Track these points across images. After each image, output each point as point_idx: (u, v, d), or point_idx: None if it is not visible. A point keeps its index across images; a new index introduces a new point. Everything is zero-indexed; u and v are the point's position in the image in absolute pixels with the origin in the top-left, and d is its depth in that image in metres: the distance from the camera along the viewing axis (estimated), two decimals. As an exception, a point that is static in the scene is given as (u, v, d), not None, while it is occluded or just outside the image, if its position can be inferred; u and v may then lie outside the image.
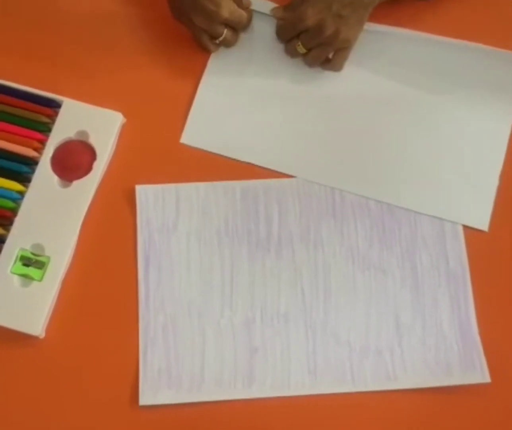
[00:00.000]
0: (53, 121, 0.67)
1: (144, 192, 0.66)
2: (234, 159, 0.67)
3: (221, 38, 0.70)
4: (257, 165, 0.67)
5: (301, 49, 0.69)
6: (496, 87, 0.70)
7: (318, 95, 0.70)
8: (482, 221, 0.65)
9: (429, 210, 0.65)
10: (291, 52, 0.71)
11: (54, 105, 0.68)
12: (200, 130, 0.69)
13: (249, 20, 0.71)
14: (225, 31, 0.69)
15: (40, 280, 0.61)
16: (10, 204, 0.64)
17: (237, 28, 0.71)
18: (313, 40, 0.68)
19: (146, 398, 0.59)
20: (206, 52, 0.71)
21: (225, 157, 0.68)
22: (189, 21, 0.68)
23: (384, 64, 0.71)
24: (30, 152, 0.66)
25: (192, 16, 0.67)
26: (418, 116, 0.69)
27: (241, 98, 0.70)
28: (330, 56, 0.70)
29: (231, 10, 0.68)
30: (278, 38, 0.72)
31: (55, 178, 0.65)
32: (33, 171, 0.65)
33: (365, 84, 0.71)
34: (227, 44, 0.71)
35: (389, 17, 0.72)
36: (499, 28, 0.73)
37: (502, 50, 0.71)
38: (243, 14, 0.70)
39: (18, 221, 0.63)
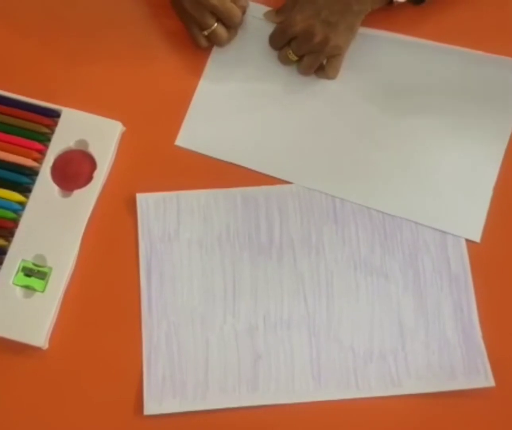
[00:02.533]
0: (53, 131, 0.67)
1: (145, 201, 0.65)
2: (233, 165, 0.67)
3: (209, 30, 0.69)
4: (256, 171, 0.67)
5: (292, 57, 0.69)
6: (494, 95, 0.70)
7: (318, 102, 0.70)
8: (474, 232, 0.64)
9: (422, 220, 0.65)
10: (283, 60, 0.70)
11: (53, 115, 0.68)
12: (197, 133, 0.69)
13: (240, 16, 0.70)
14: (216, 24, 0.69)
15: (43, 290, 0.61)
16: (11, 215, 0.64)
17: (227, 22, 0.70)
18: (302, 47, 0.68)
19: (150, 407, 0.59)
20: (197, 47, 0.71)
21: (225, 162, 0.67)
22: (181, 9, 0.68)
23: (384, 71, 0.71)
24: (30, 163, 0.66)
25: (183, 2, 0.68)
26: (415, 126, 0.69)
27: (238, 103, 0.70)
28: (325, 63, 0.70)
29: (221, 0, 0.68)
30: (270, 45, 0.71)
31: (56, 188, 0.65)
32: (33, 181, 0.65)
33: (365, 92, 0.70)
34: (218, 39, 0.70)
35: (387, 22, 0.72)
36: (499, 33, 0.73)
37: (499, 57, 0.71)
38: (234, 7, 0.69)
39: (19, 232, 0.63)
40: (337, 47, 0.68)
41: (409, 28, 0.72)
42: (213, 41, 0.71)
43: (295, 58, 0.69)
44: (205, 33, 0.70)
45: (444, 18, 0.73)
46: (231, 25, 0.71)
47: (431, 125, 0.69)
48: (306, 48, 0.68)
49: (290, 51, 0.69)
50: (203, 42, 0.70)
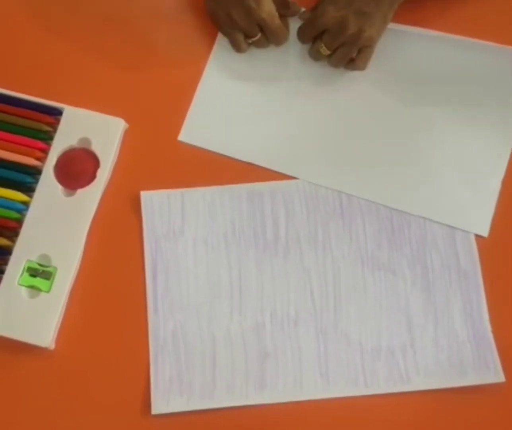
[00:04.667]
0: (55, 129, 0.66)
1: (150, 198, 0.65)
2: (237, 160, 0.67)
3: (254, 39, 0.69)
4: (261, 167, 0.66)
5: (325, 51, 0.67)
6: (501, 88, 0.68)
7: (324, 96, 0.69)
8: (482, 226, 0.64)
9: (429, 214, 0.64)
10: (315, 55, 0.69)
11: (55, 113, 0.67)
12: (200, 128, 0.68)
13: (287, 37, 0.69)
14: (260, 34, 0.68)
15: (48, 290, 0.61)
16: (15, 215, 0.64)
17: (272, 39, 0.69)
18: (335, 40, 0.66)
19: (158, 406, 0.58)
20: (236, 51, 0.70)
21: (229, 158, 0.67)
22: (227, 16, 0.68)
23: (391, 64, 0.70)
24: (33, 162, 0.65)
25: (232, 10, 0.67)
26: (422, 120, 0.68)
27: (242, 97, 0.69)
28: (354, 55, 0.68)
29: (271, 13, 0.67)
30: (299, 39, 0.70)
31: (59, 187, 0.65)
32: (36, 181, 0.65)
33: (371, 87, 0.69)
34: (259, 46, 0.70)
35: (410, 16, 0.70)
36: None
37: (508, 47, 0.69)
38: (282, 27, 0.68)
39: (23, 232, 0.63)
40: (370, 38, 0.66)
41: (434, 21, 0.71)
42: (255, 46, 0.70)
43: (327, 52, 0.67)
44: (249, 41, 0.69)
45: (462, 10, 0.72)
46: (275, 43, 0.70)
47: (438, 119, 0.68)
48: (339, 41, 0.66)
49: (322, 45, 0.67)
50: (245, 48, 0.70)
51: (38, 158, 0.65)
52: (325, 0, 0.66)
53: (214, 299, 0.62)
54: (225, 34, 0.70)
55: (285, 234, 0.64)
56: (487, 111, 0.68)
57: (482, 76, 0.69)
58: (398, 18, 0.68)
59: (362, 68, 0.68)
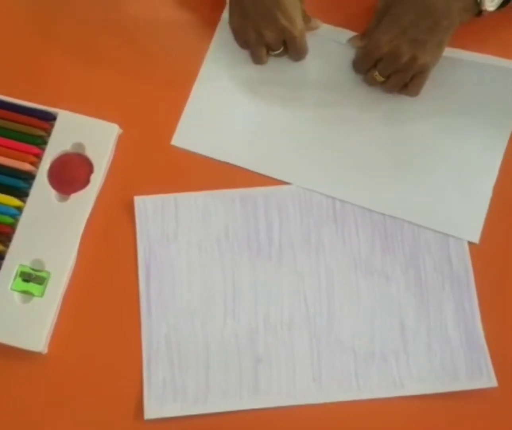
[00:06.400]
0: (49, 134, 0.66)
1: (143, 203, 0.65)
2: (230, 165, 0.67)
3: (277, 52, 0.69)
4: (254, 172, 0.66)
5: (379, 78, 0.67)
6: (493, 97, 0.69)
7: (316, 102, 0.69)
8: (473, 233, 0.64)
9: (421, 221, 0.64)
10: (370, 82, 0.68)
11: (49, 118, 0.67)
12: (193, 133, 0.68)
13: (306, 52, 0.70)
14: (282, 48, 0.69)
15: (41, 295, 0.61)
16: (8, 220, 0.63)
17: (294, 54, 0.69)
18: (389, 68, 0.66)
19: (151, 412, 0.58)
20: (256, 64, 0.70)
21: (222, 163, 0.67)
22: (255, 32, 0.67)
23: None
24: (26, 167, 0.65)
25: (263, 29, 0.66)
26: (415, 128, 0.68)
27: (235, 103, 0.69)
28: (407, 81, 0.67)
29: (302, 32, 0.67)
30: (354, 69, 0.69)
31: (53, 192, 0.65)
32: (30, 185, 0.65)
33: (366, 93, 0.69)
34: (278, 57, 0.70)
35: None
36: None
37: (501, 60, 0.70)
38: (306, 43, 0.69)
39: (17, 237, 0.63)
40: (425, 65, 0.65)
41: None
42: (274, 57, 0.70)
43: (381, 79, 0.67)
44: (272, 53, 0.69)
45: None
46: (296, 59, 0.70)
47: (431, 127, 0.68)
48: (393, 68, 0.65)
49: (377, 73, 0.66)
50: (266, 61, 0.70)
51: (32, 163, 0.65)
52: (378, 29, 0.65)
53: (208, 304, 0.62)
54: (247, 47, 0.70)
55: (279, 238, 0.64)
56: (479, 121, 0.68)
57: (477, 90, 0.69)
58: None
59: (415, 94, 0.68)
